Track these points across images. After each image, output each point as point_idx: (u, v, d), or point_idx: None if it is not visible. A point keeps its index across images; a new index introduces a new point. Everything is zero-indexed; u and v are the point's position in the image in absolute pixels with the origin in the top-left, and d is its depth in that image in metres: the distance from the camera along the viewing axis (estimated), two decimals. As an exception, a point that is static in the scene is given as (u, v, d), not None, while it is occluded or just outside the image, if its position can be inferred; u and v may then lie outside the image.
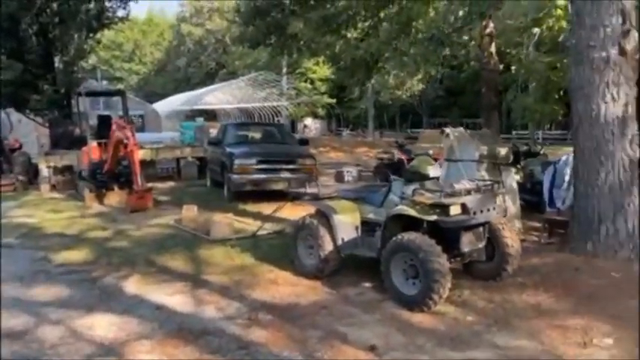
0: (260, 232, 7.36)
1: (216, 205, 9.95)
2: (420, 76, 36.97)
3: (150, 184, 10.94)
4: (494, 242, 4.96)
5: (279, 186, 9.76)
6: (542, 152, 10.21)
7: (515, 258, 4.95)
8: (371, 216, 5.34)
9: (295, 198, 5.94)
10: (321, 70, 48.04)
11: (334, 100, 47.28)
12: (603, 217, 5.07)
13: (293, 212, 7.64)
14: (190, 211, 8.35)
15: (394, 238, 4.62)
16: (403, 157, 13.78)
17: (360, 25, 11.19)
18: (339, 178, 5.98)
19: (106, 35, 74.45)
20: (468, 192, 4.60)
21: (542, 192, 8.80)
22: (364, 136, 42.13)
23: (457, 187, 4.64)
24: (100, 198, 10.66)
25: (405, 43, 9.89)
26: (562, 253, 5.33)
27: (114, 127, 10.40)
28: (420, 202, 4.62)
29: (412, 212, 4.59)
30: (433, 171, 4.92)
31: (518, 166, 9.47)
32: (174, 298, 5.02)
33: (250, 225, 7.97)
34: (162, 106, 38.70)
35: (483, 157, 7.65)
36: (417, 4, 9.67)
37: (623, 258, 4.98)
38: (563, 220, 6.52)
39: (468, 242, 4.69)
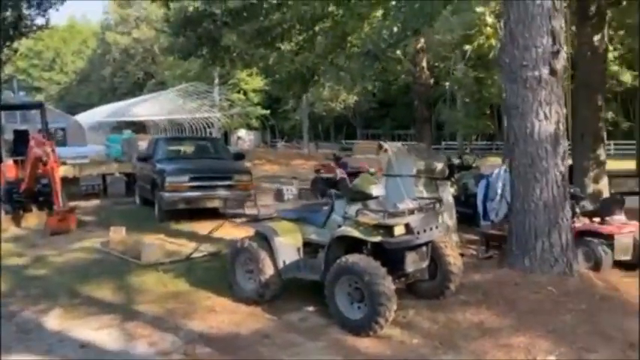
0: (195, 255, 6.99)
1: (147, 225, 9.43)
2: (356, 90, 37.64)
3: (73, 204, 10.25)
4: (436, 260, 4.93)
5: (215, 204, 9.38)
6: (474, 165, 10.49)
7: (458, 276, 4.95)
8: (313, 237, 5.17)
9: (233, 217, 5.66)
10: (255, 81, 47.71)
11: (268, 112, 47.06)
12: (539, 232, 5.18)
13: (230, 232, 7.34)
14: (118, 233, 7.83)
15: (338, 261, 4.47)
16: (341, 170, 13.80)
17: (295, 38, 11.09)
18: (279, 196, 5.78)
19: (24, 43, 70.41)
20: (412, 211, 4.54)
21: (477, 205, 9.02)
22: (299, 148, 42.15)
23: (401, 206, 4.57)
24: (16, 220, 9.82)
25: (341, 58, 9.88)
26: (501, 269, 5.39)
27: (32, 142, 9.65)
28: (363, 223, 4.50)
29: (356, 233, 4.46)
30: (376, 190, 4.83)
31: (452, 179, 9.65)
32: (101, 333, 4.60)
33: (184, 247, 7.57)
34: (87, 118, 36.88)
35: (420, 172, 7.71)
36: (352, 19, 9.70)
37: (559, 272, 5.11)
38: (499, 235, 6.64)
39: (412, 262, 4.62)
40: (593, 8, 8.12)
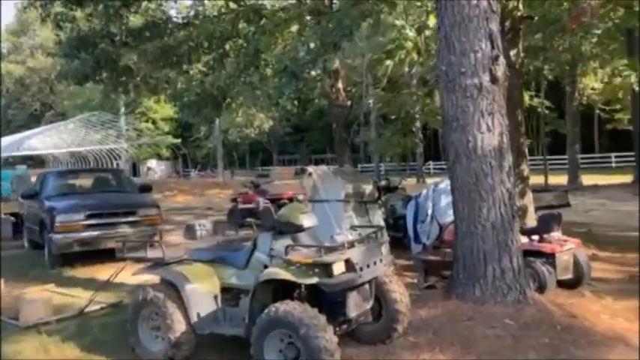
0: (90, 308, 5.81)
1: (35, 273, 8.02)
2: (274, 112, 36.97)
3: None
4: (380, 299, 4.22)
5: (117, 244, 8.15)
6: (400, 186, 10.07)
7: (406, 315, 4.26)
8: (233, 281, 4.28)
9: (136, 261, 4.64)
10: (164, 109, 45.96)
11: (179, 140, 45.26)
12: (489, 257, 4.65)
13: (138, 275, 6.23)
14: (-7, 288, 6.43)
15: (267, 311, 3.62)
16: (263, 200, 12.90)
17: (203, 57, 10.22)
18: (190, 233, 4.85)
19: None
20: (352, 244, 3.80)
21: (406, 227, 8.54)
22: (214, 177, 40.67)
23: (339, 239, 3.83)
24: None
25: (255, 77, 9.15)
26: (449, 300, 4.79)
27: None
28: (295, 262, 3.70)
29: (287, 275, 3.65)
30: (307, 220, 4.06)
31: (380, 201, 9.12)
32: None
33: (79, 298, 6.34)
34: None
35: (349, 195, 7.08)
36: (265, 35, 9.04)
37: (513, 300, 4.59)
38: (439, 261, 6.10)
39: (355, 305, 3.87)
40: (507, 23, 8.02)
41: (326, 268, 3.60)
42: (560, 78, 28.19)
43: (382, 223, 7.56)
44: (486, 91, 4.53)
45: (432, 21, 8.02)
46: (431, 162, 43.79)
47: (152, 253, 4.45)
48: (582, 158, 29.04)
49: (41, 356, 4.59)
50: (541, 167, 24.76)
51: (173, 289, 4.19)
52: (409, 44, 7.17)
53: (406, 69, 28.33)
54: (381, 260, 3.95)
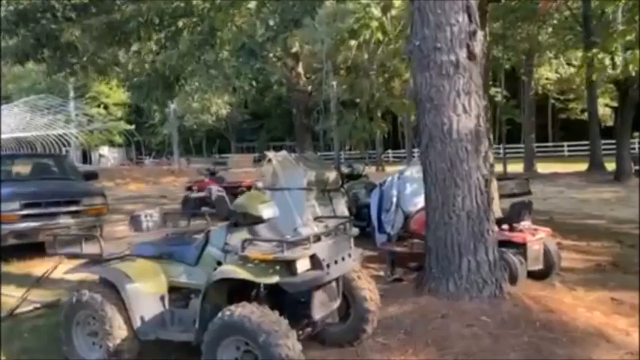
0: (22, 309, 5.18)
1: (-36, 269, 7.23)
2: (232, 98, 35.89)
3: None
4: (348, 297, 3.82)
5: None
6: (364, 174, 9.71)
7: (375, 314, 3.88)
8: (183, 280, 3.79)
9: (72, 257, 4.06)
10: (116, 94, 44.21)
11: (133, 126, 43.64)
12: (463, 249, 4.32)
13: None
14: None
15: (220, 314, 3.16)
16: (217, 187, 12.30)
17: (155, 35, 9.50)
18: (136, 224, 4.31)
19: None
20: (317, 238, 3.36)
21: (370, 217, 8.19)
22: (169, 164, 39.46)
23: (303, 231, 3.38)
24: None
25: (210, 55, 8.53)
26: (421, 296, 4.44)
27: None
28: (253, 258, 3.24)
29: (244, 274, 3.18)
30: (267, 211, 3.60)
31: (342, 189, 8.73)
32: None
33: (11, 297, 5.66)
34: None
35: (312, 183, 6.66)
36: (220, 12, 8.42)
37: (489, 295, 4.28)
38: (406, 253, 5.76)
39: (320, 306, 3.45)
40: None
41: (289, 266, 3.16)
42: (517, 67, 28.59)
43: (346, 213, 7.20)
44: (463, 68, 4.16)
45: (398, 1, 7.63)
46: (390, 150, 43.94)
47: (89, 249, 3.89)
48: (537, 147, 29.62)
49: (-43, 368, 3.97)
50: (499, 156, 25.05)
51: (112, 290, 3.66)
52: (374, 23, 6.75)
53: (366, 56, 28.12)
54: (349, 255, 3.53)
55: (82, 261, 3.97)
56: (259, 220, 3.57)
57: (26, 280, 6.54)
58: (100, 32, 8.91)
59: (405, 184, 7.84)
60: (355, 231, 3.74)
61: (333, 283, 3.55)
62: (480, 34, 4.22)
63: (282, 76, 14.70)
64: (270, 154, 6.77)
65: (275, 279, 3.15)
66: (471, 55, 4.15)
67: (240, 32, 7.62)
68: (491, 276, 4.34)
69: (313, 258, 3.23)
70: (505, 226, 5.90)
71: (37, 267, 7.14)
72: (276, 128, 50.29)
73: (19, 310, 5.11)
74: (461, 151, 4.25)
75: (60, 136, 38.54)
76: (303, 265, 3.18)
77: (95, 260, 3.84)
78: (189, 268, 3.77)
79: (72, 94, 39.87)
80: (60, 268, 4.92)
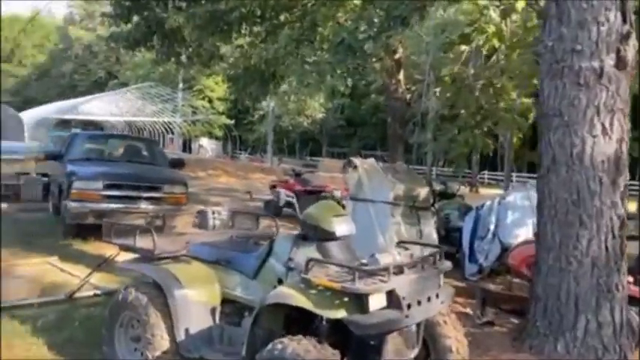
0: (82, 293, 4.98)
1: (46, 242, 7.33)
2: (321, 97, 35.82)
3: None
4: (430, 345, 3.11)
5: (135, 220, 7.37)
6: (458, 193, 8.83)
7: (462, 369, 3.14)
8: (237, 293, 3.29)
9: (126, 250, 3.72)
10: (221, 88, 45.86)
11: (232, 122, 45.06)
12: (583, 304, 3.45)
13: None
14: (-13, 254, 5.73)
15: (271, 347, 2.60)
16: (285, 192, 11.92)
17: (257, 27, 9.27)
18: (201, 222, 3.90)
19: (-27, 28, 66.46)
20: (400, 269, 2.70)
21: (461, 242, 7.35)
22: (262, 161, 40.19)
23: (382, 259, 2.73)
24: None
25: (307, 51, 8.11)
26: (520, 353, 3.62)
27: None
28: (317, 284, 2.65)
29: (304, 303, 2.60)
30: (341, 226, 3.00)
31: (433, 208, 7.94)
32: None
33: (77, 277, 5.53)
34: (34, 113, 34.07)
35: (399, 198, 5.95)
36: (325, 7, 7.98)
37: (610, 366, 3.38)
38: (504, 294, 4.90)
39: (394, 353, 2.79)
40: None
41: (359, 300, 2.53)
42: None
43: (435, 236, 6.42)
44: (608, 78, 3.31)
45: (521, 3, 6.73)
46: (486, 171, 41.62)
47: (143, 242, 3.51)
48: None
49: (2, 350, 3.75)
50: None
51: (160, 293, 3.24)
52: (491, 28, 5.92)
53: (472, 71, 26.75)
54: (437, 295, 2.83)
55: (129, 261, 3.61)
56: (331, 236, 2.97)
57: (97, 261, 6.45)
58: (202, 21, 8.81)
59: (506, 212, 6.94)
60: (447, 265, 3.03)
61: (413, 327, 2.86)
62: (634, 38, 3.34)
63: (380, 86, 14.01)
64: (357, 160, 6.16)
65: (340, 314, 2.54)
66: (621, 63, 3.29)
67: (341, 28, 7.12)
68: (614, 342, 3.43)
69: (391, 294, 2.57)
70: (629, 278, 4.87)
71: (112, 249, 7.09)
72: (369, 137, 49.71)
73: (78, 294, 4.91)
74: (593, 181, 3.39)
75: (166, 123, 40.71)
76: (377, 302, 2.54)
77: (146, 257, 3.45)
78: (247, 280, 3.27)
79: (180, 85, 41.96)
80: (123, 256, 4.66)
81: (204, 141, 47.36)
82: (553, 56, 3.47)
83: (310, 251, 2.97)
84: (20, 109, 35.13)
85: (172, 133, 43.35)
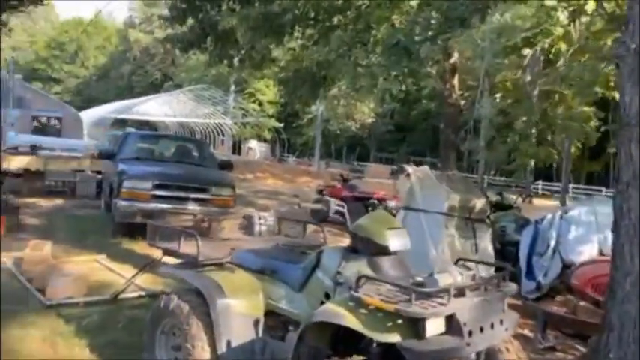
0: (127, 294, 4.95)
1: (95, 239, 7.44)
2: (371, 102, 35.38)
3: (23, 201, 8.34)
4: (489, 373, 2.83)
5: (183, 221, 7.37)
6: (515, 205, 8.38)
7: (524, 403, 2.84)
8: (282, 305, 3.11)
9: (169, 254, 3.62)
10: (271, 91, 46.34)
11: (282, 125, 45.40)
12: (666, 337, 3.08)
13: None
14: (39, 249, 5.80)
15: (316, 367, 2.40)
16: (335, 201, 11.72)
17: (310, 29, 9.15)
18: (247, 227, 3.76)
19: (48, 33, 70.03)
20: (461, 291, 2.45)
21: (517, 257, 6.94)
22: (310, 165, 40.25)
23: (441, 280, 2.49)
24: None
25: (360, 53, 7.90)
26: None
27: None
28: (368, 303, 2.43)
29: (354, 323, 2.39)
30: (396, 240, 2.77)
31: (487, 220, 7.55)
32: None
33: (123, 277, 5.53)
34: (93, 113, 35.46)
35: (454, 209, 5.65)
36: (380, 9, 7.76)
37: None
38: (568, 318, 4.53)
39: (451, 382, 2.53)
40: None
41: (415, 324, 2.30)
42: None
43: (491, 250, 6.07)
44: None
45: (591, 4, 6.28)
46: (540, 182, 40.07)
47: (187, 247, 3.39)
48: None
49: (43, 351, 3.72)
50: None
51: (202, 302, 3.10)
52: (558, 30, 5.53)
53: (528, 78, 25.77)
54: (501, 322, 2.56)
55: (171, 267, 3.51)
56: (384, 250, 2.75)
57: (144, 260, 6.46)
58: (255, 22, 8.77)
59: (569, 227, 6.50)
60: (513, 287, 2.75)
61: (473, 355, 2.59)
62: None
63: (432, 91, 13.66)
64: (410, 167, 5.89)
65: (394, 338, 2.31)
66: None
67: (396, 30, 6.87)
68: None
69: (451, 319, 2.33)
70: None
71: (159, 251, 7.10)
72: (418, 143, 48.95)
73: (123, 295, 4.88)
74: (682, 199, 3.02)
75: (217, 125, 41.48)
76: (435, 327, 2.30)
77: (190, 262, 3.33)
78: (292, 292, 3.09)
79: (232, 88, 42.63)
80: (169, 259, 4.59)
81: (253, 143, 47.96)
82: (636, 59, 3.13)
83: (361, 266, 2.76)
84: (81, 108, 36.74)
85: (223, 134, 44.11)
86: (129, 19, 67.96)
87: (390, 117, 46.12)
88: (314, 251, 3.20)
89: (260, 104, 46.85)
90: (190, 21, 12.89)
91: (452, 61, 12.01)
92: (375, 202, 11.11)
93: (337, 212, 3.15)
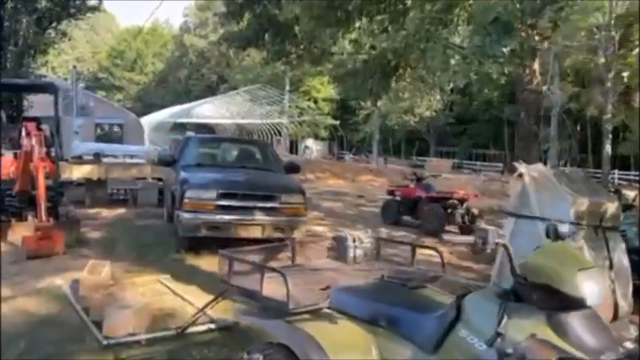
0: (194, 327, 4.22)
1: (158, 255, 6.85)
2: (437, 95, 33.65)
3: (93, 210, 7.93)
4: None
5: (251, 233, 6.66)
6: (634, 203, 7.12)
7: None
8: (408, 373, 2.24)
9: (244, 294, 2.82)
10: (326, 89, 45.68)
11: (338, 122, 44.61)
12: None
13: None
14: (97, 272, 5.22)
15: None
16: (422, 193, 10.71)
17: (380, 15, 8.21)
18: (339, 251, 2.94)
19: (109, 42, 72.69)
20: None
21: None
22: (368, 162, 39.27)
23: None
24: (1, 230, 7.53)
25: (445, 34, 6.84)
26: None
27: (23, 132, 7.39)
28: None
29: None
30: (593, 288, 1.83)
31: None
32: None
33: (190, 304, 4.84)
34: (152, 118, 35.97)
35: (581, 215, 4.59)
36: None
37: None
38: None
39: None
40: None
41: None
42: None
43: (626, 262, 4.95)
44: None
45: None
46: (616, 170, 37.12)
47: (270, 288, 2.57)
48: None
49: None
50: None
51: (296, 364, 2.28)
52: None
53: (602, 60, 23.62)
54: None
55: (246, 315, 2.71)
56: (577, 304, 1.82)
57: (211, 280, 5.77)
58: (319, 11, 7.96)
59: None
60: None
61: None
62: None
63: (511, 73, 12.30)
64: (521, 166, 4.86)
65: None
66: None
67: (494, 3, 5.82)
68: None
69: None
70: None
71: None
72: (480, 135, 46.86)
73: (191, 330, 4.16)
74: None
75: (274, 125, 41.25)
76: None
77: (277, 308, 2.51)
78: (421, 354, 2.20)
79: (287, 87, 42.30)
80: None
81: (310, 142, 47.47)
82: None
83: (537, 324, 1.84)
84: (141, 114, 37.41)
85: (279, 134, 43.84)
86: (184, 24, 69.19)
87: (449, 109, 44.30)
88: (429, 284, 2.32)
89: (315, 102, 46.28)
90: (247, 17, 12.31)
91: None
92: (456, 202, 10.05)
93: (496, 244, 2.21)
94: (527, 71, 11.77)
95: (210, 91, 56.21)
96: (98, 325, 4.19)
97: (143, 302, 4.43)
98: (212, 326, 4.30)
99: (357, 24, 8.53)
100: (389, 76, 8.61)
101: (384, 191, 13.26)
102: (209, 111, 38.35)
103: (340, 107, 47.21)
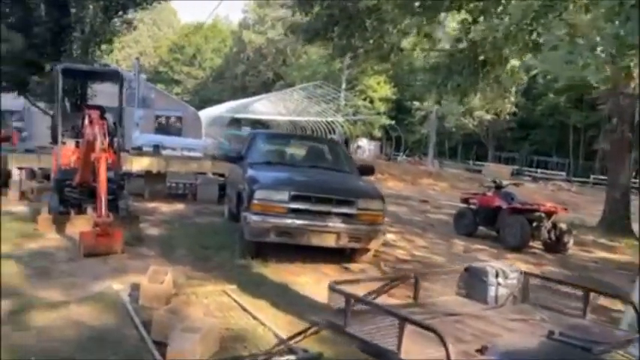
0: (276, 358, 3.53)
1: (220, 259, 6.24)
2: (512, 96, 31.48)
3: (152, 205, 7.48)
4: None
5: (324, 241, 5.96)
6: None
7: None
8: None
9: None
10: (382, 89, 44.70)
11: (393, 122, 43.55)
12: None
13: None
14: (157, 279, 4.63)
15: None
16: (502, 203, 9.70)
17: (469, 5, 7.30)
18: (474, 288, 2.17)
19: (170, 37, 74.35)
20: None
21: None
22: (422, 164, 38.06)
23: None
24: (59, 223, 7.18)
25: (573, 14, 5.80)
26: None
27: (86, 120, 6.98)
28: None
29: None
30: None
31: None
32: None
33: (261, 325, 4.17)
34: (209, 112, 36.09)
35: None
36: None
37: None
38: None
39: None
40: None
41: None
42: None
43: None
44: None
45: None
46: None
47: (381, 333, 1.82)
48: None
49: None
50: None
51: None
52: None
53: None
54: None
55: None
56: None
57: (284, 294, 5.11)
58: (404, -1, 7.16)
59: None
60: None
61: None
62: None
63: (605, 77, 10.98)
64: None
65: None
66: None
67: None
68: None
69: None
70: None
71: (298, 277, 5.73)
72: (542, 141, 44.73)
73: (268, 361, 3.47)
74: None
75: (328, 123, 40.64)
76: None
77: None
78: None
79: (344, 85, 41.63)
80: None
81: (363, 141, 46.62)
82: None
83: None
84: (198, 108, 37.66)
85: (334, 132, 43.20)
86: (243, 21, 69.63)
87: (512, 113, 42.34)
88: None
89: (371, 101, 45.37)
90: (317, 8, 11.68)
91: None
92: (543, 215, 9.00)
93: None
94: (624, 74, 10.55)
95: (266, 87, 56.24)
96: (160, 346, 3.59)
97: (210, 322, 3.77)
98: (292, 358, 3.59)
99: (448, 11, 7.64)
100: (477, 72, 7.69)
101: (447, 197, 12.34)
102: (265, 107, 38.16)
103: (396, 107, 46.11)
